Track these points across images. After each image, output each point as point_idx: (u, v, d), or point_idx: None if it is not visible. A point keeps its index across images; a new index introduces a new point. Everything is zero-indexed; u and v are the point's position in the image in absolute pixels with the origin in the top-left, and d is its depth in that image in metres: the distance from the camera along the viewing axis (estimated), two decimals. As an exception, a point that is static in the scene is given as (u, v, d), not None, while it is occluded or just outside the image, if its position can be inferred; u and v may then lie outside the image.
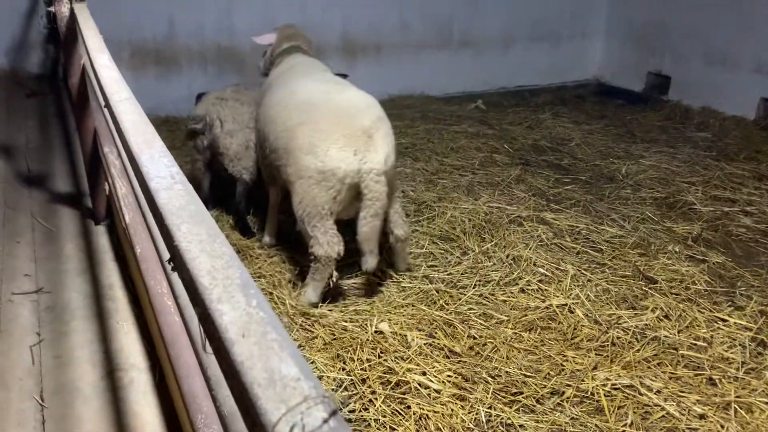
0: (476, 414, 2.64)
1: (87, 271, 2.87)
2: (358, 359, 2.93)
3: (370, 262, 3.31)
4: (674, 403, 2.73)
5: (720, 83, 7.25)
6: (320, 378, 2.83)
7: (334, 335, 3.12)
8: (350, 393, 2.78)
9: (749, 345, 3.11)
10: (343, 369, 2.90)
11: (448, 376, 2.85)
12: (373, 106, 3.33)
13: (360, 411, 2.68)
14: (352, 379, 2.83)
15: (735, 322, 3.29)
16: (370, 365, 2.91)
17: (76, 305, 2.59)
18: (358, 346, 3.02)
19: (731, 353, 3.06)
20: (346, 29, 7.39)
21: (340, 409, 2.66)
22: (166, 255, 0.80)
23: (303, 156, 3.14)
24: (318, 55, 7.36)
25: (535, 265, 3.76)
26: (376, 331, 3.12)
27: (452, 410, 2.65)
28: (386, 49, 7.67)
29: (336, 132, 3.13)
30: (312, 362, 2.91)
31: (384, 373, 2.88)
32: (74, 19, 2.59)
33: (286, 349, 0.49)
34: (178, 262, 0.65)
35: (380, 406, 2.69)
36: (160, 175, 0.83)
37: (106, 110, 1.40)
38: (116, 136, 1.29)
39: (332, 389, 2.79)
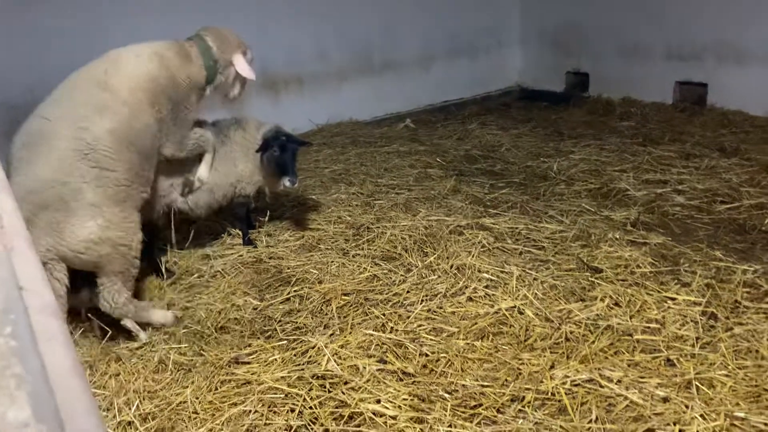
0: (436, 435, 2.48)
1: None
2: (307, 397, 2.74)
3: None
4: (636, 391, 2.64)
5: (636, 73, 7.47)
6: (267, 424, 2.62)
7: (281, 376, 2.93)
8: (301, 435, 2.58)
9: (701, 320, 3.08)
10: (292, 410, 2.70)
11: (404, 399, 2.69)
12: None
13: (313, 453, 2.49)
14: (302, 421, 2.64)
15: (684, 299, 3.26)
16: (320, 402, 2.72)
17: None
18: (308, 383, 2.83)
19: (685, 330, 3.02)
20: (265, 65, 7.26)
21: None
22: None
23: None
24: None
25: (479, 271, 3.66)
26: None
27: (411, 435, 2.49)
28: (308, 80, 7.59)
29: None
30: (255, 411, 2.70)
31: (336, 407, 2.69)
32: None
33: (26, 386, 0.34)
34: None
35: (335, 443, 2.50)
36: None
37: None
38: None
39: (282, 434, 2.59)
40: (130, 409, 2.80)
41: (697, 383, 2.65)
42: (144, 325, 3.46)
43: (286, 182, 4.03)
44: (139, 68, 3.45)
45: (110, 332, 3.36)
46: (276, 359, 3.07)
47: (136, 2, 6.18)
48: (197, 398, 2.83)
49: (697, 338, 2.95)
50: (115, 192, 3.14)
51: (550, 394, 2.66)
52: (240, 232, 4.50)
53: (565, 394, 2.65)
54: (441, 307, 3.37)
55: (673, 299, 3.28)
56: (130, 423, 2.73)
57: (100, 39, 5.93)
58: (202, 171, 4.02)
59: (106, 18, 5.94)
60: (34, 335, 0.42)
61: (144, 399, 2.87)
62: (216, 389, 2.88)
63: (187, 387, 2.91)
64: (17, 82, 5.61)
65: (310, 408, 2.68)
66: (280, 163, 4.06)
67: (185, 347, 3.26)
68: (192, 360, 3.15)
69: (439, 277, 3.69)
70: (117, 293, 3.25)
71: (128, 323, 3.39)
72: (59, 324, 0.72)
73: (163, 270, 4.05)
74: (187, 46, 3.70)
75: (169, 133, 3.62)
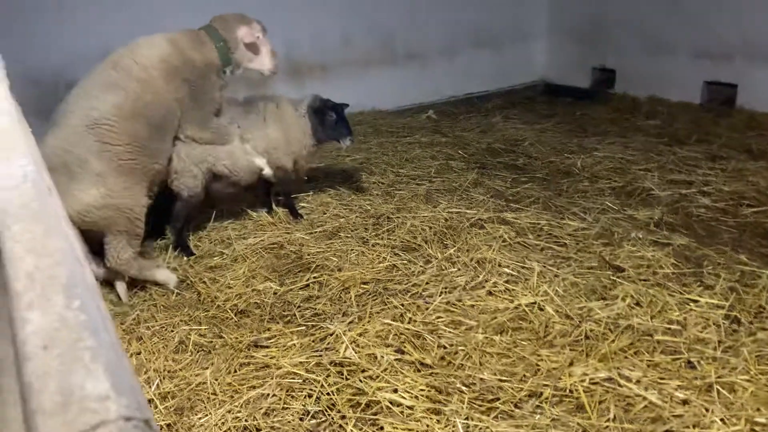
0: (453, 427, 2.48)
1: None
2: (325, 383, 2.76)
3: None
4: (655, 392, 2.62)
5: (663, 71, 7.35)
6: (284, 408, 2.65)
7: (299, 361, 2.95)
8: (318, 421, 2.60)
9: (723, 323, 3.04)
10: (309, 395, 2.72)
11: (421, 390, 2.70)
12: None
13: (330, 439, 2.50)
14: (319, 406, 2.66)
15: (706, 302, 3.22)
16: (337, 388, 2.74)
17: (10, 360, 2.38)
18: (325, 370, 2.85)
19: (707, 333, 2.98)
20: (290, 52, 7.27)
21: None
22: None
23: None
24: (264, 82, 7.25)
25: (500, 265, 3.64)
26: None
27: (427, 426, 2.49)
28: (332, 67, 7.57)
29: None
30: (273, 395, 2.72)
31: (353, 395, 2.71)
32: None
33: (101, 359, 0.35)
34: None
35: (351, 430, 2.52)
36: (9, 176, 0.69)
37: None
38: None
39: (299, 419, 2.61)
40: (150, 387, 2.84)
41: (717, 387, 2.63)
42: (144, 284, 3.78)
43: (347, 142, 4.42)
44: (153, 50, 3.75)
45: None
46: (295, 344, 3.09)
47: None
48: (216, 380, 2.86)
49: (719, 342, 2.92)
50: (118, 165, 3.44)
51: (568, 391, 2.65)
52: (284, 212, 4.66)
53: (584, 391, 2.63)
54: (460, 300, 3.36)
55: (695, 301, 3.24)
56: (150, 401, 2.77)
57: (128, 25, 5.98)
58: (258, 161, 4.29)
59: (134, 5, 5.99)
60: (101, 310, 0.42)
61: (164, 378, 2.91)
62: (235, 372, 2.91)
63: (207, 368, 2.95)
64: (47, 64, 5.68)
65: (328, 394, 2.70)
66: (338, 126, 4.39)
67: (205, 329, 3.30)
68: (212, 342, 3.18)
69: (459, 269, 3.68)
70: (122, 250, 3.52)
71: (119, 287, 3.67)
72: (100, 301, 0.73)
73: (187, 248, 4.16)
74: (198, 33, 4.02)
75: (189, 113, 3.88)
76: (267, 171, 4.32)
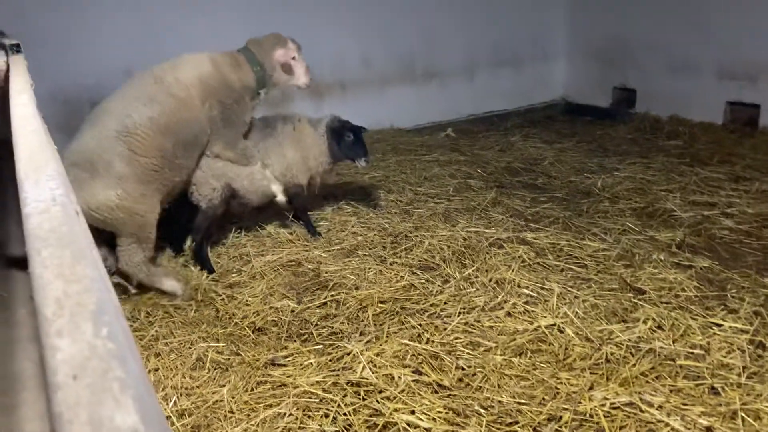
0: (471, 450, 2.45)
1: (43, 337, 2.68)
2: (342, 403, 2.74)
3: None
4: (678, 418, 2.56)
5: (685, 91, 7.30)
6: (301, 428, 2.63)
7: (315, 380, 2.93)
8: (335, 441, 2.58)
9: (748, 348, 2.98)
10: (326, 415, 2.70)
11: (439, 412, 2.67)
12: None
13: (346, 460, 2.48)
14: (335, 427, 2.64)
15: (730, 326, 3.16)
16: (354, 409, 2.72)
17: (28, 374, 2.38)
18: (342, 389, 2.83)
19: (731, 359, 2.92)
20: (311, 72, 7.33)
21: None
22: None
23: None
24: (285, 100, 7.31)
25: (519, 286, 3.61)
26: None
27: (445, 449, 2.46)
28: (351, 87, 7.63)
29: None
30: (290, 414, 2.71)
31: (370, 416, 2.69)
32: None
33: (129, 390, 0.35)
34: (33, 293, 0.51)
35: (368, 452, 2.49)
36: (38, 199, 0.70)
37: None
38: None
39: (315, 439, 2.59)
40: (167, 404, 2.85)
41: (742, 414, 2.56)
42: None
43: (362, 162, 4.51)
44: (194, 69, 3.85)
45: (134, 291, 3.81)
46: (312, 363, 3.08)
47: (189, 11, 6.33)
48: (233, 398, 2.86)
49: (744, 367, 2.86)
50: (142, 173, 3.53)
51: (588, 415, 2.60)
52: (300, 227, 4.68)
53: (604, 416, 2.59)
54: (479, 321, 3.33)
55: (719, 325, 3.19)
56: (167, 418, 2.77)
57: (154, 46, 6.10)
58: (274, 188, 4.32)
59: (159, 26, 6.11)
60: (128, 336, 0.43)
61: (181, 395, 2.91)
62: (252, 390, 2.91)
63: (224, 386, 2.94)
64: (74, 81, 5.80)
65: (344, 414, 2.68)
66: (355, 147, 4.48)
67: (223, 346, 3.30)
68: (229, 359, 3.18)
69: (478, 290, 3.66)
70: (133, 254, 3.63)
71: (116, 279, 3.76)
72: (126, 326, 0.73)
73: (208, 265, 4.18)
74: (236, 56, 4.10)
75: (219, 132, 3.95)
76: (281, 198, 4.34)
